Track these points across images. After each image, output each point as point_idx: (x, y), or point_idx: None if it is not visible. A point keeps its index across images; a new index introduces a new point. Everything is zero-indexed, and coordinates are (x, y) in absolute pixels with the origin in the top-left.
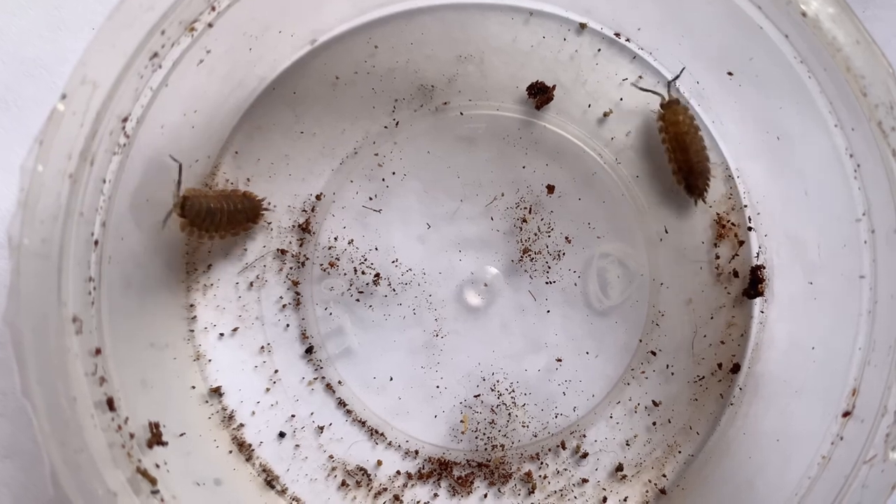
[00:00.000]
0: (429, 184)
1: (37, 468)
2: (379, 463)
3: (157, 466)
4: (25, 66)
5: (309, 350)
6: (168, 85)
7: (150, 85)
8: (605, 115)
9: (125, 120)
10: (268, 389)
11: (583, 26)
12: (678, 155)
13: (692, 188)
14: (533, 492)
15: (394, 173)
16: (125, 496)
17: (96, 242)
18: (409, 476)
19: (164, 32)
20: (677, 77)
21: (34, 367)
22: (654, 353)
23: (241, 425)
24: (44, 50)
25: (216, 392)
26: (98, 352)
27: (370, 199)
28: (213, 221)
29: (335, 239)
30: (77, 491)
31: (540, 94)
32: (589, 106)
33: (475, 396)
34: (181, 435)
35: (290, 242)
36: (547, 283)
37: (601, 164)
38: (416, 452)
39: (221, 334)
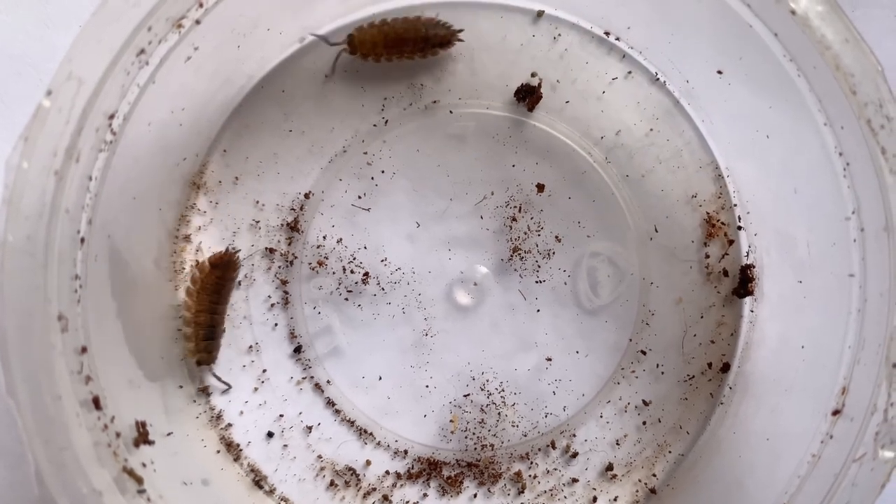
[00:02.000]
0: (418, 182)
1: (21, 467)
2: (368, 463)
3: (144, 466)
4: (12, 62)
5: (297, 349)
6: (155, 82)
7: (136, 82)
8: (595, 113)
9: (111, 117)
10: (256, 389)
11: (573, 25)
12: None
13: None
14: (523, 492)
15: (383, 172)
16: (111, 495)
17: (82, 240)
18: (399, 476)
19: (151, 29)
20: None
21: (19, 365)
22: (644, 353)
23: (229, 425)
24: (31, 47)
25: (204, 391)
26: (84, 350)
27: (359, 197)
28: (219, 323)
29: (324, 238)
30: (62, 490)
31: (529, 96)
32: (578, 105)
33: (465, 396)
34: (168, 434)
35: (279, 241)
36: (537, 282)
37: (591, 163)
38: (406, 452)
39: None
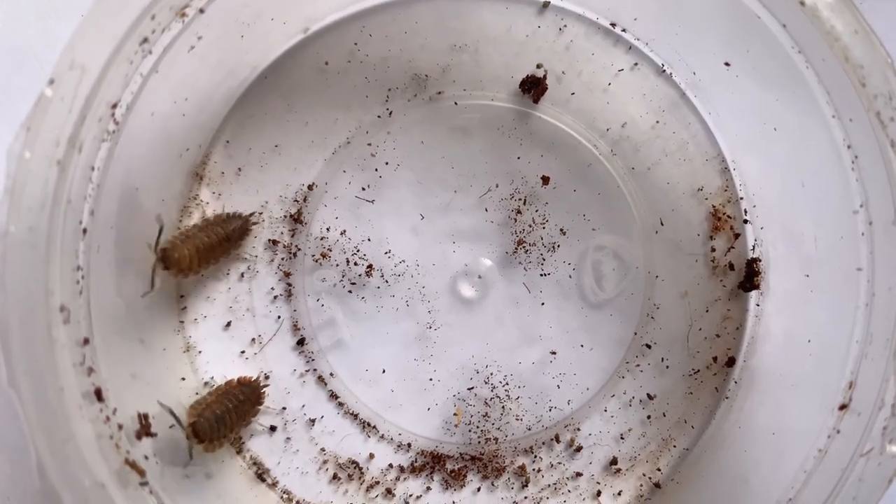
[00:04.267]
0: (422, 174)
1: (23, 460)
2: (371, 456)
3: (146, 458)
4: (14, 53)
5: (300, 342)
6: (158, 71)
7: (139, 71)
8: (601, 105)
9: (114, 106)
10: (257, 377)
11: (579, 16)
12: None
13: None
14: (526, 485)
15: (387, 163)
16: (113, 488)
17: (84, 231)
18: (402, 469)
19: (155, 17)
20: None
21: (20, 357)
22: (648, 347)
23: None
24: (32, 37)
25: (207, 384)
26: (86, 342)
27: (363, 189)
28: (226, 425)
29: (327, 230)
30: (64, 482)
31: (534, 88)
32: (584, 96)
33: (469, 389)
34: (171, 427)
35: (282, 233)
36: (541, 275)
37: (596, 156)
38: (409, 445)
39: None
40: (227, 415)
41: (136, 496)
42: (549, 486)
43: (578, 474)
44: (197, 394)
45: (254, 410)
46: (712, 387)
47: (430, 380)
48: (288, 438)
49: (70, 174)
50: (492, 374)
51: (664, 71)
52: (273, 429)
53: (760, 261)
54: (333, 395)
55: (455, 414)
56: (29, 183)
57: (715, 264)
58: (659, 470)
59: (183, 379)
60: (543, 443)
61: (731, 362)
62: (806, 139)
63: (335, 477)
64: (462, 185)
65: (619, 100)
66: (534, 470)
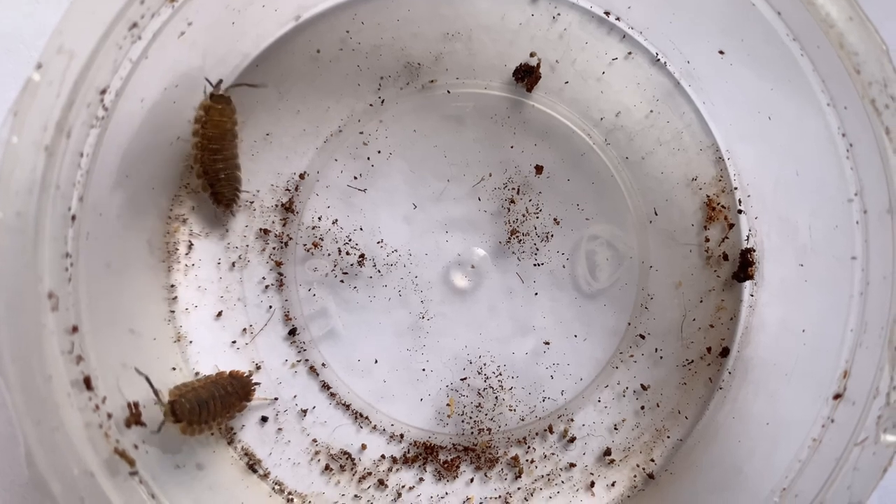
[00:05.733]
0: (415, 163)
1: (11, 448)
2: (363, 447)
3: (136, 447)
4: (2, 39)
5: (292, 332)
6: (148, 57)
7: (129, 56)
8: (595, 94)
9: (103, 92)
10: (250, 372)
11: (572, 4)
12: (206, 156)
13: (219, 197)
14: (520, 476)
15: (379, 152)
16: (102, 477)
17: (73, 217)
18: (394, 460)
19: (144, 2)
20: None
21: (8, 344)
22: (642, 337)
23: None
24: (21, 24)
25: (197, 374)
26: (75, 329)
27: (355, 178)
28: (208, 412)
29: (319, 219)
30: (53, 471)
31: (527, 76)
32: (578, 85)
33: (462, 380)
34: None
35: (273, 222)
36: (535, 265)
37: (590, 145)
38: (402, 436)
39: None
40: (211, 401)
41: (126, 486)
42: (542, 476)
43: (572, 465)
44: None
45: (240, 405)
46: (706, 377)
47: (423, 370)
48: (279, 429)
49: (58, 160)
50: (485, 364)
51: (658, 60)
52: (264, 419)
53: (755, 251)
54: (325, 386)
55: (448, 404)
56: (17, 168)
57: (709, 254)
58: (653, 460)
59: (174, 369)
60: (537, 433)
61: (725, 352)
62: (801, 128)
63: (327, 468)
64: (455, 175)
65: (613, 89)
66: (527, 461)
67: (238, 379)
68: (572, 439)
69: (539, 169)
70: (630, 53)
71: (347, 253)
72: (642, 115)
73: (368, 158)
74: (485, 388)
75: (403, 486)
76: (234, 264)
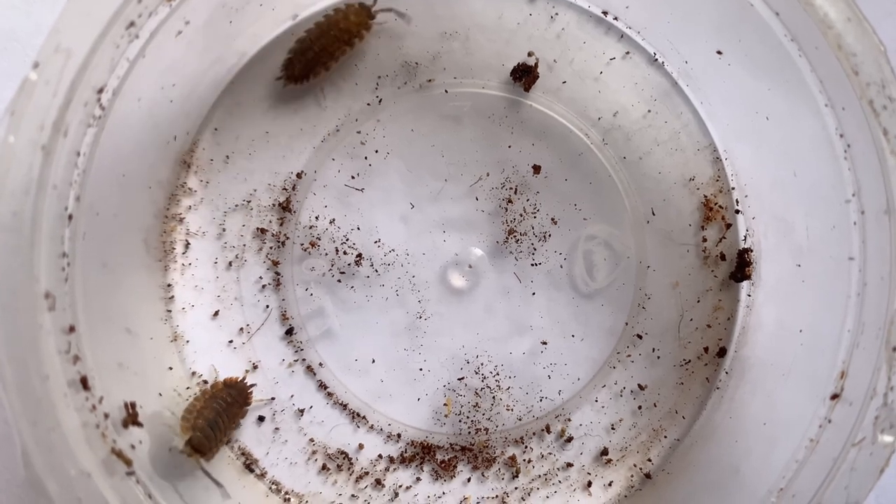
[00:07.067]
0: (412, 163)
1: (7, 449)
2: (360, 447)
3: (133, 448)
4: None
5: (289, 331)
6: (145, 56)
7: (126, 56)
8: (593, 94)
9: (100, 91)
10: (247, 372)
11: (570, 4)
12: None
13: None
14: (517, 476)
15: (376, 152)
16: (99, 477)
17: (70, 217)
18: (392, 460)
19: (141, 1)
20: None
21: (4, 344)
22: (640, 337)
23: None
24: (17, 22)
25: (194, 374)
26: (72, 329)
27: (352, 177)
28: (220, 430)
29: (316, 218)
30: (49, 471)
31: (525, 76)
32: (576, 85)
33: (459, 379)
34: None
35: (270, 221)
36: (532, 264)
37: (588, 145)
38: (399, 436)
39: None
40: (219, 418)
41: (123, 486)
42: (539, 476)
43: (569, 465)
44: (179, 393)
45: (242, 412)
46: (703, 377)
47: (420, 370)
48: (276, 429)
49: (55, 159)
50: (482, 364)
51: (656, 59)
52: (261, 419)
53: (752, 251)
54: (322, 386)
55: (445, 404)
56: (13, 167)
57: (706, 254)
58: (650, 460)
59: (170, 368)
60: (534, 433)
61: (722, 352)
62: (798, 128)
63: (324, 468)
64: (452, 174)
65: (611, 88)
66: (524, 460)
67: (234, 386)
68: (569, 439)
69: (537, 168)
70: (628, 53)
71: (345, 252)
72: (640, 115)
73: (366, 158)
74: (482, 388)
75: (400, 486)
76: (230, 264)
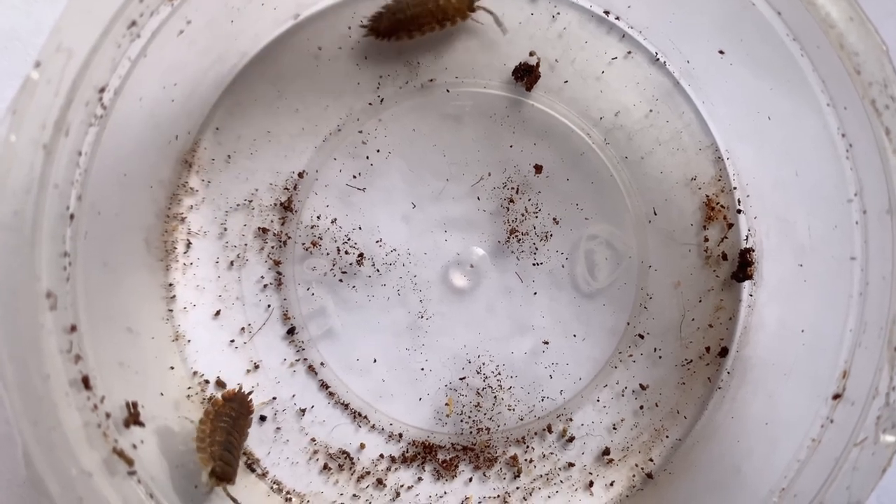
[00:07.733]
0: (414, 162)
1: (8, 448)
2: (362, 446)
3: (135, 447)
4: (0, 38)
5: (290, 331)
6: (147, 55)
7: (128, 55)
8: (594, 94)
9: (102, 90)
10: (248, 371)
11: (572, 3)
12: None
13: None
14: (518, 476)
15: (378, 151)
16: (100, 477)
17: (72, 216)
18: (393, 459)
19: (143, 0)
20: None
21: (5, 343)
22: (641, 337)
23: None
24: (18, 21)
25: (195, 374)
26: (73, 329)
27: (354, 177)
28: (235, 448)
29: (318, 218)
30: (51, 471)
31: (527, 75)
32: (577, 85)
33: (461, 379)
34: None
35: (272, 221)
36: (534, 264)
37: (590, 145)
38: (400, 436)
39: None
40: (230, 437)
41: (124, 485)
42: (541, 476)
43: (571, 465)
44: (183, 393)
45: (248, 421)
46: (705, 377)
47: (422, 370)
48: (278, 428)
49: (57, 158)
50: (484, 364)
51: (658, 59)
52: (263, 419)
53: (754, 251)
54: (324, 385)
55: (447, 404)
56: (14, 166)
57: (708, 254)
58: (651, 460)
59: (172, 368)
60: (535, 433)
61: (723, 352)
62: (800, 128)
63: (325, 467)
64: (454, 174)
65: (613, 88)
66: (526, 460)
67: (233, 399)
68: (571, 439)
69: (538, 168)
70: (629, 53)
71: (346, 252)
72: (641, 115)
73: (367, 157)
74: (483, 388)
75: (402, 486)
76: (232, 263)
